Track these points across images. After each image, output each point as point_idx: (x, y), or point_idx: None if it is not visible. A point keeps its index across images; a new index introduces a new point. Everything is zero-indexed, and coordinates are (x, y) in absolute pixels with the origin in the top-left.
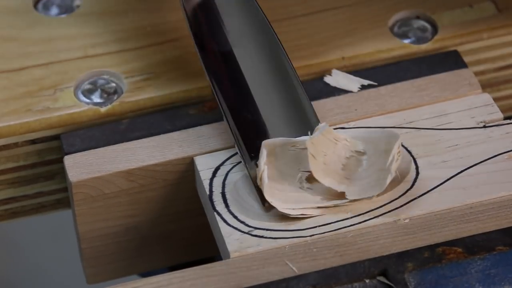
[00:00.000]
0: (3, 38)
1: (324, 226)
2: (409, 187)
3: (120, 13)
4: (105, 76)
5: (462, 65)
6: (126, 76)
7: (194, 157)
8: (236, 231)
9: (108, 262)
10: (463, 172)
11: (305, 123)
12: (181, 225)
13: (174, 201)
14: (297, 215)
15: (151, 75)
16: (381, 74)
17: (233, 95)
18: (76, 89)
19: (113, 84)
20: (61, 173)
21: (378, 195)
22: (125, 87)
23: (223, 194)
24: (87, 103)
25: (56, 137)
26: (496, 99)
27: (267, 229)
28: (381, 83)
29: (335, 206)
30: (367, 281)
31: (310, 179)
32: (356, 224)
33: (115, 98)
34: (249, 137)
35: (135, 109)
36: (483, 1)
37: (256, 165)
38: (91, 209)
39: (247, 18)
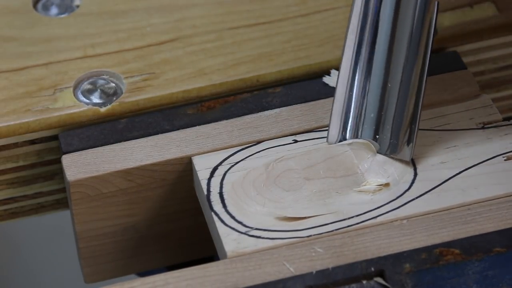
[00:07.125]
0: (3, 38)
1: (321, 227)
2: (407, 187)
3: (120, 13)
4: (104, 76)
5: (462, 66)
6: (126, 76)
7: (192, 157)
8: (234, 231)
9: (106, 261)
10: (462, 173)
11: None
12: (178, 225)
13: (171, 200)
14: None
15: (151, 75)
16: None
17: None
18: (75, 89)
19: (113, 84)
20: (61, 173)
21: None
22: (124, 87)
23: (221, 194)
24: (87, 104)
25: (56, 138)
26: (495, 100)
27: (265, 229)
28: None
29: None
30: (364, 282)
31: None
32: (354, 225)
33: (114, 98)
34: None
35: (134, 109)
36: (483, 1)
37: None
38: (89, 209)
39: None
